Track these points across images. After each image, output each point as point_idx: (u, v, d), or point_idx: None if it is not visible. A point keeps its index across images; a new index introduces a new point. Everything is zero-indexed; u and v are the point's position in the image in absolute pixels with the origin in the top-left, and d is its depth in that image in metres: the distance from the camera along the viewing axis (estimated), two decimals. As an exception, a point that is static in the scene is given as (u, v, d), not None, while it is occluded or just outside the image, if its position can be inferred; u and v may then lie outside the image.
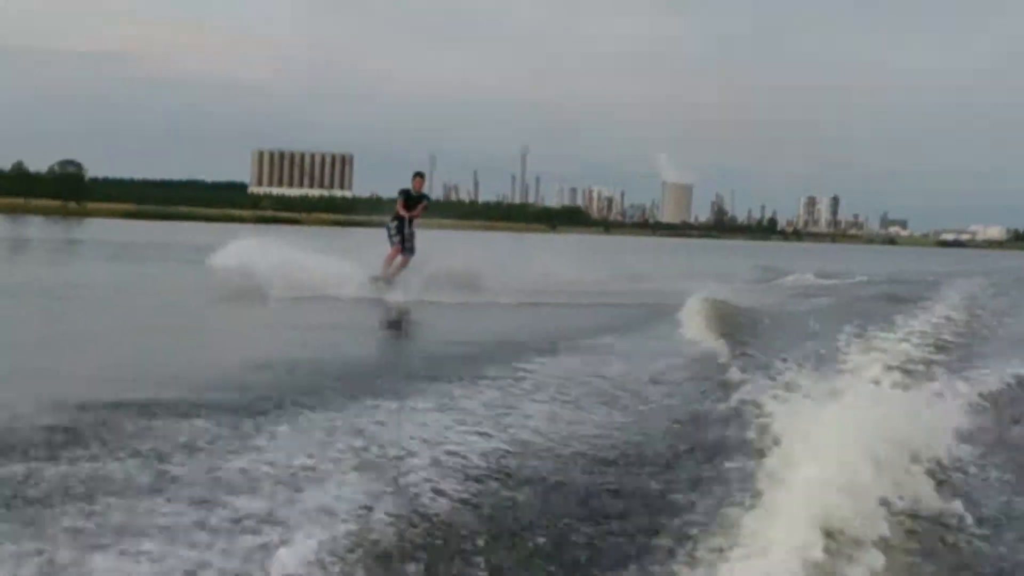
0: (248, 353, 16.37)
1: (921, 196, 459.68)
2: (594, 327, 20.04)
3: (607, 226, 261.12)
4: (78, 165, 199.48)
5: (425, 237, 27.50)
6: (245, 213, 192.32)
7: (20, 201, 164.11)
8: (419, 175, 29.07)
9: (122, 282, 32.45)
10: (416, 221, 26.96)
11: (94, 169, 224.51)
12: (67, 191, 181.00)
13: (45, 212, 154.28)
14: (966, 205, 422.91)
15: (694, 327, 18.67)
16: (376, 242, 28.85)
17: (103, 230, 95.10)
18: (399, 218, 26.33)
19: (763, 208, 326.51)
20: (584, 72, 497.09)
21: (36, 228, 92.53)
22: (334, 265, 25.60)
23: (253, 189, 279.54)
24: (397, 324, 22.06)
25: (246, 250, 25.41)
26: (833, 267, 56.15)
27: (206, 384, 12.54)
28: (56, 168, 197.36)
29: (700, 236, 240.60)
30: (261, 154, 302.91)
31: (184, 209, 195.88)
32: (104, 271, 38.85)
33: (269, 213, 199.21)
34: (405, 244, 26.12)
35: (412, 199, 26.79)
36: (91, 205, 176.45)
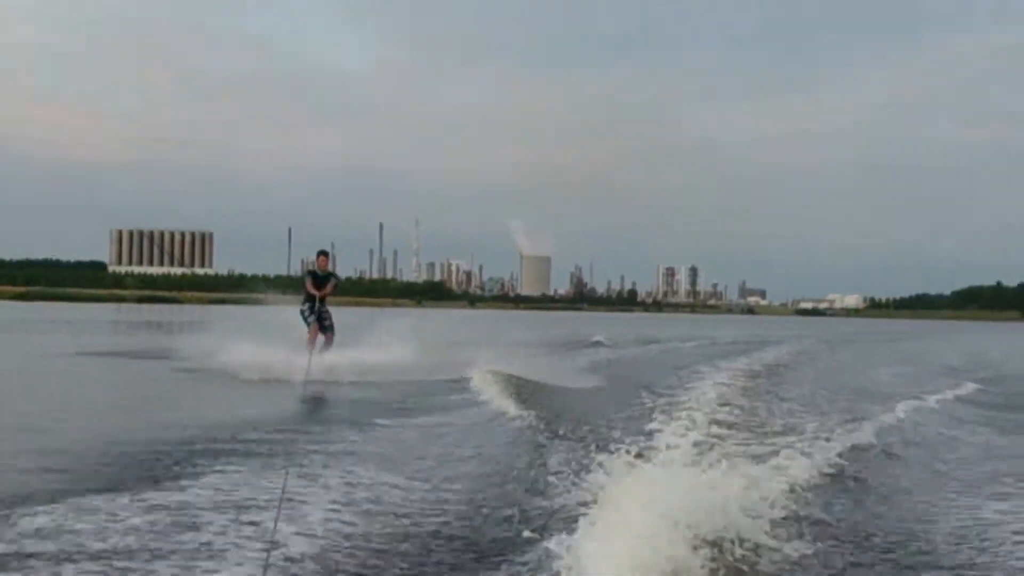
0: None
1: (780, 267, 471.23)
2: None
3: (471, 300, 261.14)
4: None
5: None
6: (125, 292, 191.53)
7: None
8: (323, 253, 29.18)
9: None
10: (327, 300, 26.89)
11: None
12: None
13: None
14: (825, 274, 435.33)
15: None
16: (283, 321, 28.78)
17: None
18: (311, 298, 26.23)
19: (622, 279, 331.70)
20: (432, 142, 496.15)
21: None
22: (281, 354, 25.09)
23: (113, 268, 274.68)
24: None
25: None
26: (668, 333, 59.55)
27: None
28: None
29: (562, 308, 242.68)
30: (120, 232, 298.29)
31: (72, 291, 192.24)
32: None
33: (147, 292, 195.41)
34: (324, 323, 26.15)
35: (320, 278, 26.72)
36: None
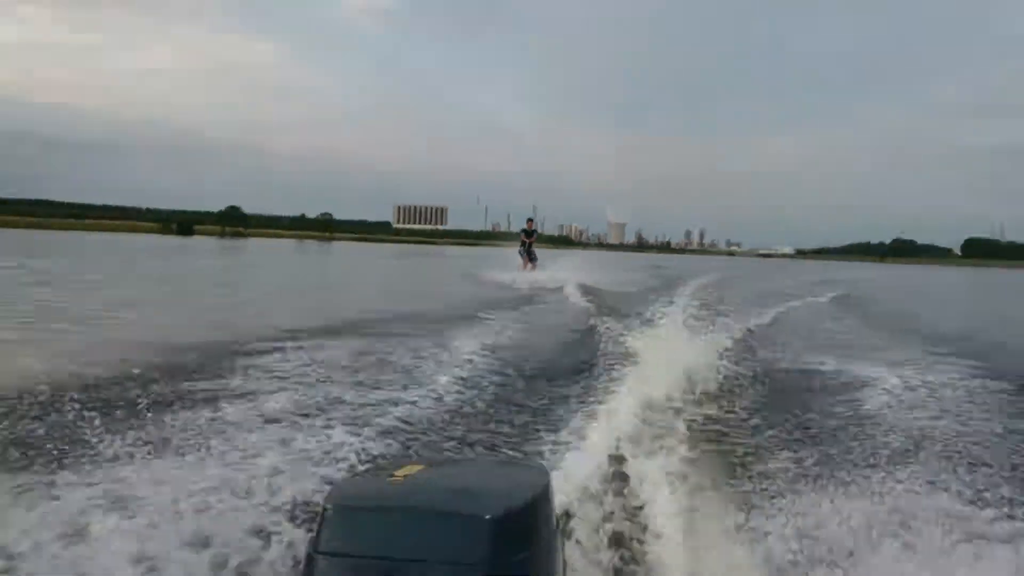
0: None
1: (750, 228, 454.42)
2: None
3: (583, 246, 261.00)
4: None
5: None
6: (407, 239, 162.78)
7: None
8: (530, 220, 27.13)
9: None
10: (533, 244, 25.86)
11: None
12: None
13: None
14: (773, 233, 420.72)
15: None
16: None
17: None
18: (524, 244, 25.50)
19: (664, 235, 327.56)
20: (558, 163, 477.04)
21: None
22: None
23: (396, 226, 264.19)
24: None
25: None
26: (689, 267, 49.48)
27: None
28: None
29: (630, 251, 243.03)
30: (399, 207, 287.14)
31: (370, 236, 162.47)
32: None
33: (420, 239, 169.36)
34: (532, 257, 25.06)
35: (528, 233, 25.68)
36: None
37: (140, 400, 4.61)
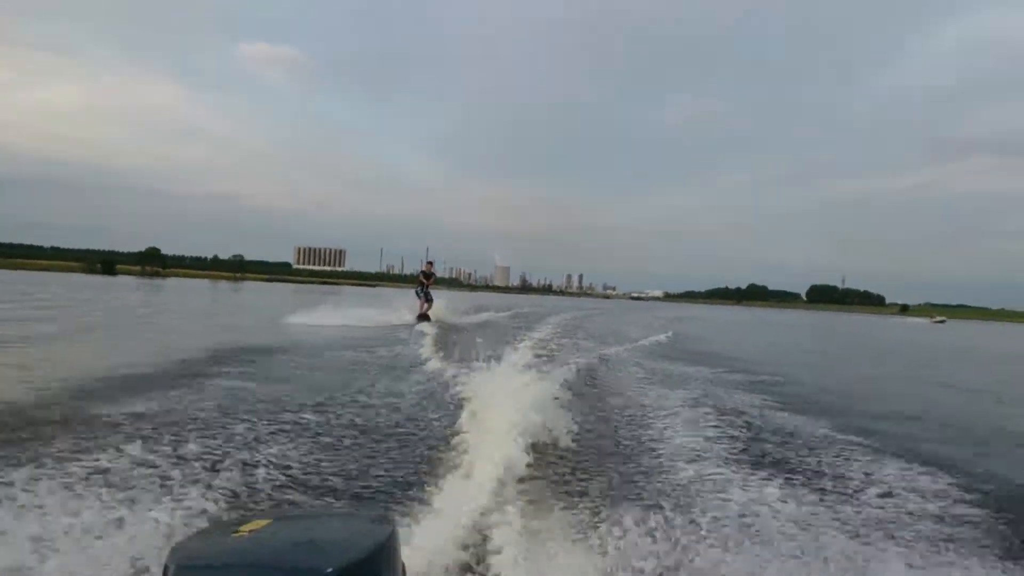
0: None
1: (625, 273, 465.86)
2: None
3: (471, 288, 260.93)
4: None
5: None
6: (305, 279, 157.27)
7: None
8: (430, 262, 25.15)
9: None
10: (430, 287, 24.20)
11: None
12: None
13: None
14: (645, 278, 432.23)
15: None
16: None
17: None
18: (422, 284, 24.06)
19: (546, 279, 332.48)
20: (458, 213, 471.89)
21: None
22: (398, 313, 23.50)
23: (296, 267, 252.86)
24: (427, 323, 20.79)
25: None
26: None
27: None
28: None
29: (514, 293, 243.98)
30: (299, 249, 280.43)
31: (273, 276, 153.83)
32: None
33: (320, 280, 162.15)
34: (428, 298, 23.93)
35: (427, 275, 24.29)
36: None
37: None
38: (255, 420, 6.24)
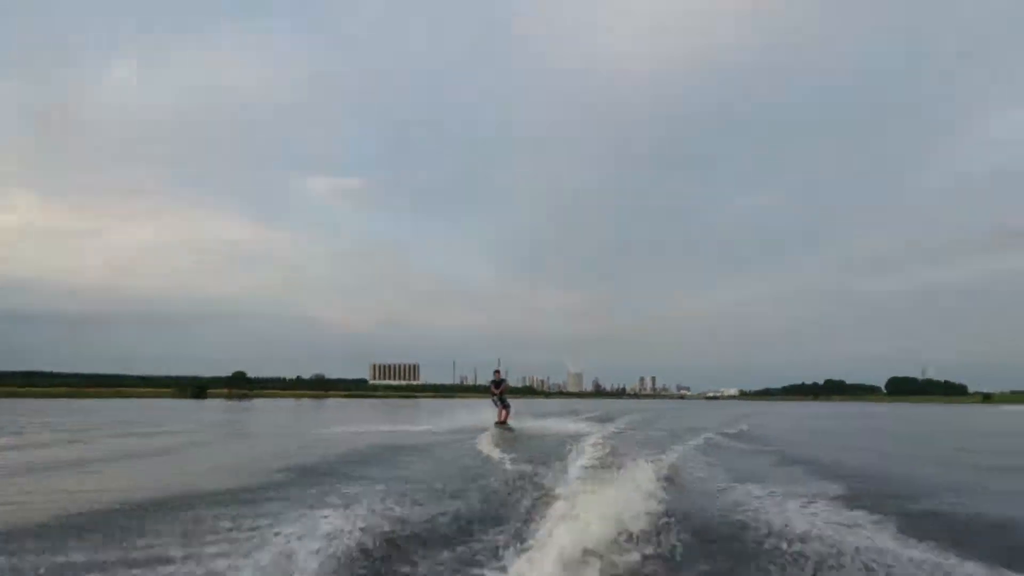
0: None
1: (699, 373, 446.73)
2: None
3: (546, 395, 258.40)
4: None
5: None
6: (384, 395, 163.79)
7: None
8: (497, 371, 25.87)
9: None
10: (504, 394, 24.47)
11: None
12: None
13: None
14: (719, 376, 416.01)
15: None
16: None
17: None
18: (494, 393, 24.39)
19: (618, 383, 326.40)
20: (523, 324, 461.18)
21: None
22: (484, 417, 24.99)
23: (372, 382, 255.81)
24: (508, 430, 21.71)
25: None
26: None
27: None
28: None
29: (589, 398, 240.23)
30: (375, 365, 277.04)
31: (351, 392, 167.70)
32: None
33: (397, 394, 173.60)
34: (505, 404, 24.20)
35: (497, 383, 24.64)
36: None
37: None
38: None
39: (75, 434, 20.03)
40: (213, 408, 51.05)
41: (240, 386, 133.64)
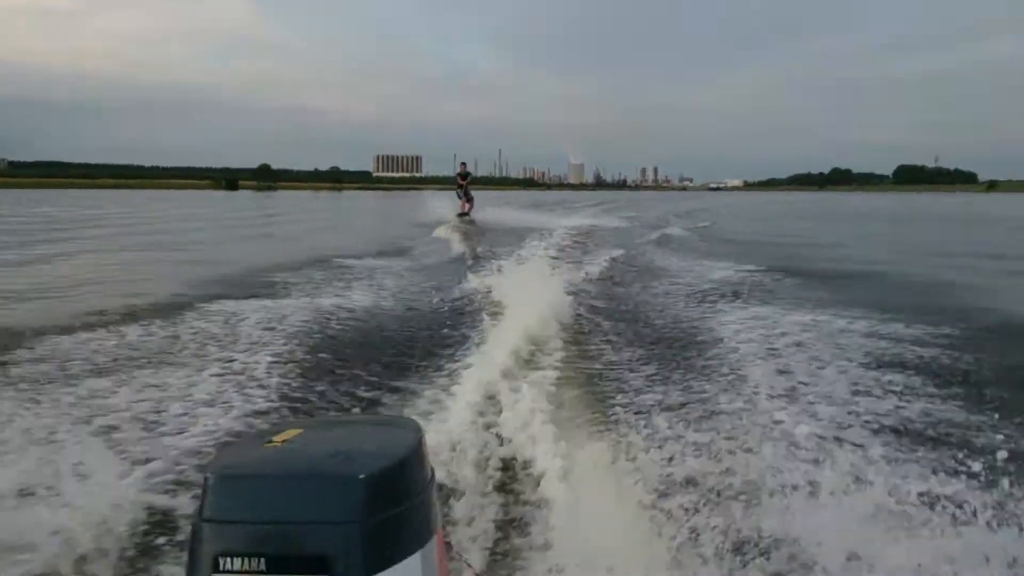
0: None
1: (702, 163, 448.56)
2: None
3: (547, 187, 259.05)
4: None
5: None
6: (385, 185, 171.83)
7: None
8: (463, 163, 25.79)
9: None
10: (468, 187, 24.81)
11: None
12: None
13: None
14: (723, 167, 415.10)
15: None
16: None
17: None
18: (460, 186, 24.58)
19: (620, 174, 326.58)
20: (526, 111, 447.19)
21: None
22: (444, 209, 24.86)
23: (376, 175, 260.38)
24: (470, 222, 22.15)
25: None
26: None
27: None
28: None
29: (589, 190, 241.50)
30: (379, 156, 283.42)
31: (356, 185, 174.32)
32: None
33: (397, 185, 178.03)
34: (468, 197, 24.52)
35: (463, 176, 24.70)
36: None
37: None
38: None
39: (234, 222, 26.52)
40: (275, 198, 57.21)
41: (265, 178, 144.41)
